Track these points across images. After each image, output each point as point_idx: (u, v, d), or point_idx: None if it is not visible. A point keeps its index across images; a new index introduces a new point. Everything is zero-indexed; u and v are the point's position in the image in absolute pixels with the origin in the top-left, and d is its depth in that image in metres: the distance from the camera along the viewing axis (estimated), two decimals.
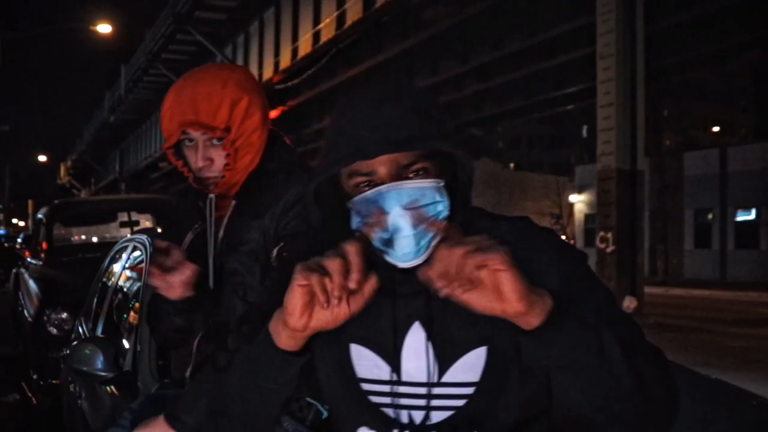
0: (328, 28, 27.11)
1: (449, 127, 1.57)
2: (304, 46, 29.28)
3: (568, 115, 43.84)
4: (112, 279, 5.08)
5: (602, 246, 15.42)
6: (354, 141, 1.50)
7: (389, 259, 1.50)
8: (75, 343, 3.38)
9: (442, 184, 1.53)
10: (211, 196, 2.22)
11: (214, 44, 36.55)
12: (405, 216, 1.46)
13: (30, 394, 7.92)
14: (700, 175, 34.58)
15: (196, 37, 36.15)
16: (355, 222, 1.53)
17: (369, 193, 1.51)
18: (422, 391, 1.54)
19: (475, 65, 26.84)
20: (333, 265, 1.36)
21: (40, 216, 10.92)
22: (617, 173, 15.15)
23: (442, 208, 1.51)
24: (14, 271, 12.56)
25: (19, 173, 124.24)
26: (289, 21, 31.16)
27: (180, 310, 2.17)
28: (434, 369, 1.53)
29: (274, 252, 2.12)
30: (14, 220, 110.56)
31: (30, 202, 78.48)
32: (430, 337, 1.54)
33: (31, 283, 9.17)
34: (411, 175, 1.50)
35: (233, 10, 34.13)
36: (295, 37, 30.35)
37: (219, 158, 2.15)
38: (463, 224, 1.52)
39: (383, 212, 1.47)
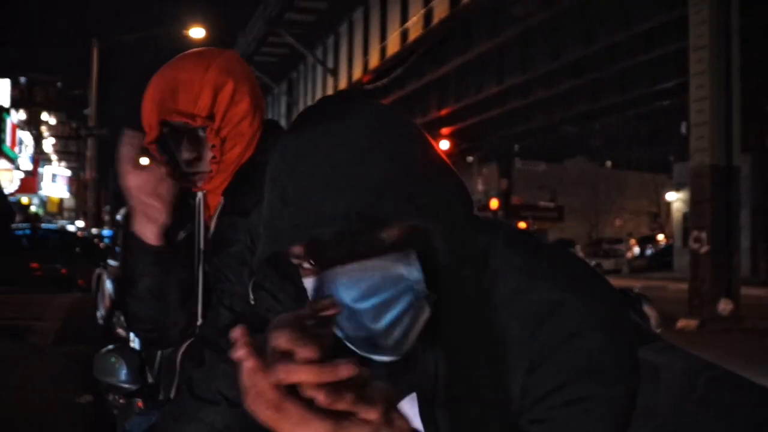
0: (415, 27, 26.98)
1: (403, 175, 1.09)
2: (392, 46, 29.22)
3: (666, 111, 42.69)
4: None
5: (696, 246, 14.83)
6: (271, 224, 1.11)
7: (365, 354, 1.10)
8: (102, 351, 3.24)
9: (413, 255, 1.09)
10: (200, 194, 2.05)
11: (304, 46, 36.88)
12: (361, 315, 1.07)
13: (103, 395, 7.98)
14: None
15: (287, 39, 36.52)
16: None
17: (312, 280, 1.11)
18: None
19: (567, 61, 26.35)
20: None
21: (119, 218, 11.08)
22: (711, 170, 14.56)
23: (413, 284, 1.08)
24: (97, 271, 12.80)
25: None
26: (377, 21, 31.19)
27: (152, 263, 2.01)
28: None
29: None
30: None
31: None
32: None
33: (108, 284, 9.28)
34: (362, 249, 1.07)
35: (323, 11, 34.39)
36: (383, 37, 30.33)
37: (206, 151, 1.96)
38: (475, 268, 1.13)
39: (336, 305, 1.04)
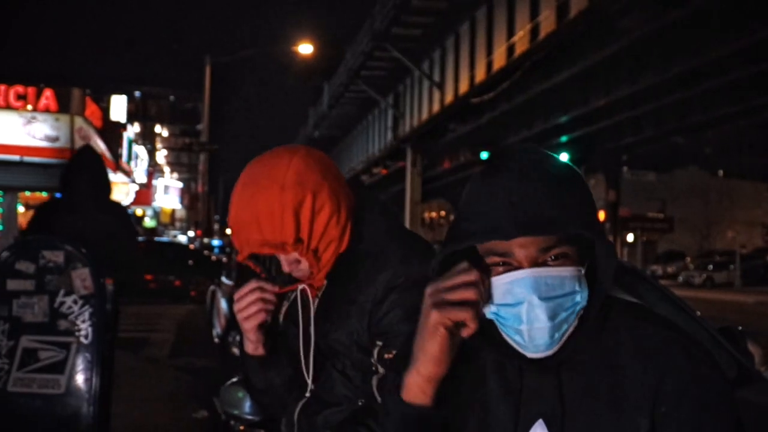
0: (522, 41, 26.98)
1: (593, 209, 1.44)
2: (499, 60, 29.25)
3: None
4: None
5: None
6: (491, 218, 1.37)
7: (519, 348, 1.40)
8: (227, 384, 3.52)
9: (582, 271, 1.41)
10: (301, 286, 2.09)
11: (411, 60, 37.14)
12: (542, 307, 1.35)
13: (220, 412, 8.19)
14: None
15: (394, 54, 36.85)
16: (489, 310, 1.41)
17: (504, 276, 1.39)
18: None
19: (677, 72, 25.91)
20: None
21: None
22: None
23: (580, 299, 1.39)
24: (211, 288, 13.17)
25: (232, 186, 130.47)
26: (483, 35, 31.25)
27: (257, 366, 2.16)
28: None
29: (375, 353, 1.98)
30: (228, 231, 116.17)
31: None
32: None
33: (222, 303, 9.52)
34: (550, 260, 1.38)
35: (429, 26, 34.58)
36: (489, 51, 30.37)
37: (303, 261, 2.02)
38: (598, 320, 1.42)
39: (519, 300, 1.37)
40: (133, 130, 44.03)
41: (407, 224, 42.50)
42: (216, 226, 77.96)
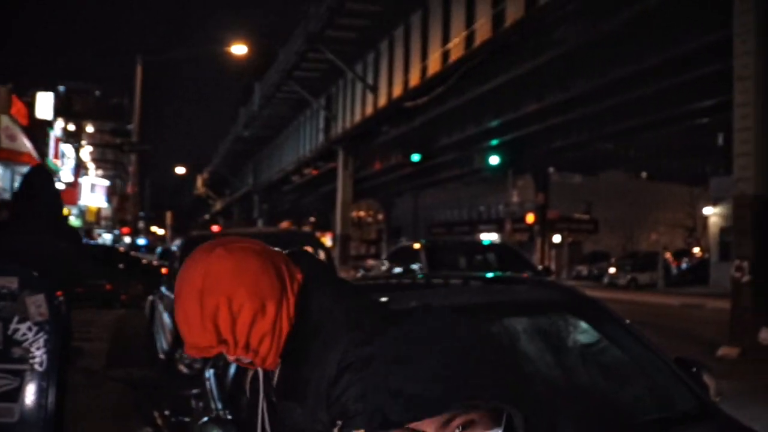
0: (457, 48, 27.17)
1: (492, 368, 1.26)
2: (434, 65, 29.42)
3: (704, 124, 42.63)
4: None
5: (738, 275, 14.90)
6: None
7: None
8: (201, 423, 3.50)
9: None
10: (253, 372, 2.11)
11: (345, 62, 37.14)
12: None
13: (163, 429, 8.10)
14: None
15: (327, 55, 36.81)
16: None
17: None
18: None
19: (606, 81, 26.45)
20: None
21: (174, 248, 11.23)
22: (754, 200, 14.61)
23: None
24: (150, 298, 12.94)
25: (159, 184, 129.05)
26: (418, 40, 31.39)
27: None
28: None
29: None
30: (153, 228, 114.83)
31: (169, 213, 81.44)
32: None
33: (165, 317, 9.33)
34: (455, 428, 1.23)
35: (364, 28, 34.58)
36: (424, 56, 30.54)
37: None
38: None
39: None
40: (59, 126, 43.13)
41: (338, 225, 42.74)
42: (141, 224, 76.82)
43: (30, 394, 4.75)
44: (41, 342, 4.77)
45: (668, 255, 53.39)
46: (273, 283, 1.96)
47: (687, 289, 39.12)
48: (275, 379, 2.04)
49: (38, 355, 4.76)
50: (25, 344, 4.76)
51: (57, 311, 4.82)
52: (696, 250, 56.75)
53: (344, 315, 1.99)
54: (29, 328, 4.79)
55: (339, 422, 1.75)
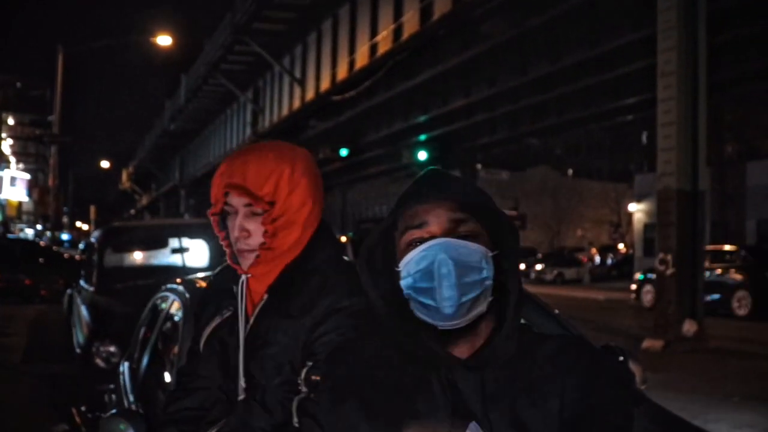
0: (385, 41, 27.11)
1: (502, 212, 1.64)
2: (361, 59, 29.32)
3: (628, 122, 43.38)
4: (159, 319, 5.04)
5: (662, 268, 15.06)
6: (412, 189, 1.64)
7: (431, 320, 1.54)
8: (107, 415, 3.28)
9: (490, 254, 1.57)
10: (244, 277, 2.07)
11: (272, 55, 36.83)
12: (450, 265, 1.51)
13: (79, 425, 7.87)
14: (764, 186, 33.75)
15: (255, 48, 36.44)
16: (405, 282, 1.56)
17: (420, 246, 1.56)
18: None
19: (533, 77, 26.61)
20: None
21: (92, 240, 10.93)
22: (677, 194, 14.76)
23: (486, 274, 1.55)
24: (68, 291, 12.63)
25: (82, 178, 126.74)
26: (346, 33, 31.26)
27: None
28: None
29: (302, 373, 1.94)
30: (77, 224, 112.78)
31: (92, 208, 79.96)
32: None
33: (83, 310, 9.12)
34: (462, 233, 1.56)
35: (291, 21, 34.32)
36: (352, 49, 30.41)
37: (257, 232, 2.02)
38: (515, 322, 1.58)
39: (430, 260, 1.53)
40: None
41: None
42: (65, 219, 75.28)
43: None
44: None
45: (593, 251, 54.28)
46: (321, 195, 2.13)
47: (612, 284, 39.75)
48: (252, 318, 2.07)
49: None
50: None
51: None
52: (621, 246, 57.70)
53: (345, 272, 2.06)
54: None
55: (309, 363, 1.95)
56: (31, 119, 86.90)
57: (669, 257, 14.92)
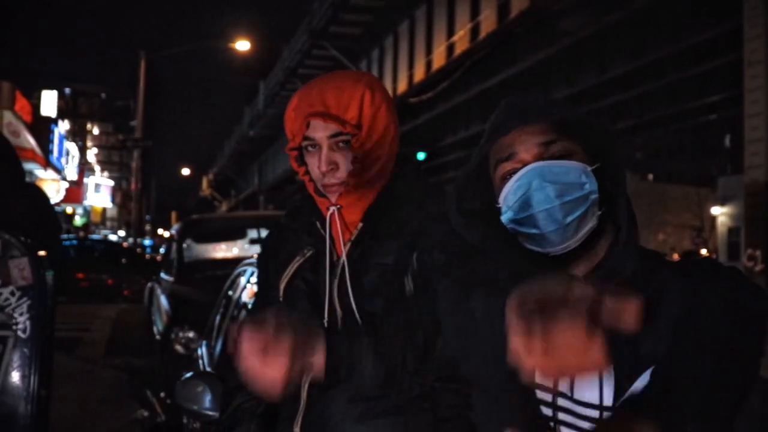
0: (462, 41, 27.00)
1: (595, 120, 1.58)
2: (438, 59, 29.26)
3: (710, 124, 42.36)
4: (232, 303, 5.06)
5: (750, 264, 14.64)
6: (496, 122, 1.59)
7: (540, 248, 1.51)
8: (184, 378, 3.24)
9: (589, 168, 1.51)
10: (333, 209, 1.98)
11: (349, 59, 36.99)
12: (547, 188, 1.47)
13: (159, 412, 7.95)
14: None
15: (332, 52, 36.66)
16: (506, 216, 1.53)
17: (512, 178, 1.52)
18: (592, 413, 1.45)
19: (613, 75, 26.18)
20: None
21: (173, 231, 11.11)
22: (766, 187, 14.37)
23: (590, 188, 1.49)
24: (149, 285, 12.85)
25: (164, 186, 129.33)
26: (423, 34, 31.23)
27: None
28: (608, 393, 1.43)
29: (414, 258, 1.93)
30: (159, 231, 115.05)
31: (173, 214, 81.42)
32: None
33: (163, 300, 9.29)
34: (555, 153, 1.51)
35: (368, 24, 34.47)
36: (429, 50, 30.38)
37: (344, 163, 1.93)
38: (633, 236, 1.54)
39: (525, 188, 1.49)
40: (64, 126, 43.07)
41: None
42: (148, 227, 76.74)
43: (13, 362, 4.49)
44: (24, 307, 4.51)
45: (675, 256, 53.26)
46: (397, 119, 2.06)
47: None
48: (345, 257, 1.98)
49: (21, 321, 4.50)
50: (8, 309, 4.51)
51: (41, 277, 4.58)
52: (704, 251, 56.46)
53: (434, 199, 2.01)
54: (12, 293, 4.54)
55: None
56: (116, 128, 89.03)
57: (758, 253, 14.52)
